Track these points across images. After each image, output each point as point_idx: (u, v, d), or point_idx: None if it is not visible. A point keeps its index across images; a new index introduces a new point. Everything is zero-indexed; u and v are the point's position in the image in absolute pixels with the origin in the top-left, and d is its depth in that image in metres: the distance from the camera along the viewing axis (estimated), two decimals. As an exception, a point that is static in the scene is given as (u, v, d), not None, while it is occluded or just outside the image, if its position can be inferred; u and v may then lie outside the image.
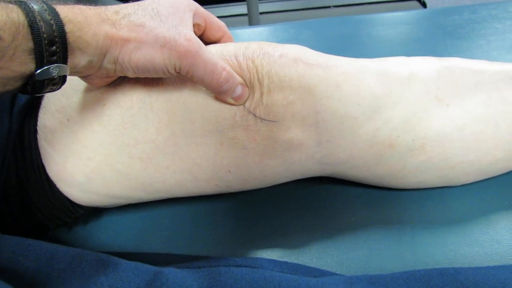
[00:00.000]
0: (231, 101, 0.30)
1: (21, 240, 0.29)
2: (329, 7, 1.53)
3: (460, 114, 0.33)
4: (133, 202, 0.37)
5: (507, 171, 0.36)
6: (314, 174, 0.35)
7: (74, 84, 0.33)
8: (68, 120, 0.33)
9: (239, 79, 0.30)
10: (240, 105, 0.31)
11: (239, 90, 0.30)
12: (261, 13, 1.25)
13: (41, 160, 0.33)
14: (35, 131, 0.34)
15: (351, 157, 0.33)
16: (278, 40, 0.62)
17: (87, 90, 0.33)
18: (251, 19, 1.21)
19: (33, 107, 0.34)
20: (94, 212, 0.39)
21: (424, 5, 1.50)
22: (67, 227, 0.39)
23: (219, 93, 0.30)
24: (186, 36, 0.28)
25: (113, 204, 0.37)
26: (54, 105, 0.33)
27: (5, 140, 0.33)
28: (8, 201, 0.34)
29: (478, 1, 1.90)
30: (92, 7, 0.27)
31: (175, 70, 0.28)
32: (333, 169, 0.35)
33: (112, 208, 0.39)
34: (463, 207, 0.36)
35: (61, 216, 0.36)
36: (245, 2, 1.21)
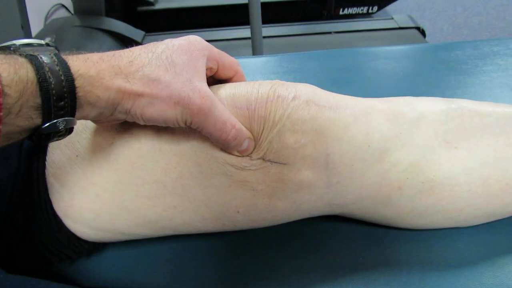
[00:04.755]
0: (236, 153, 0.31)
1: (25, 281, 0.28)
2: (330, 33, 1.56)
3: (468, 157, 0.33)
4: (138, 238, 0.36)
5: (515, 213, 0.36)
6: (322, 213, 0.35)
7: (83, 120, 0.33)
8: (76, 156, 0.33)
9: (247, 134, 0.30)
10: (244, 156, 0.31)
11: (245, 144, 0.30)
12: (264, 37, 1.26)
13: (48, 195, 0.33)
14: (43, 166, 0.33)
15: (360, 199, 0.33)
16: (284, 71, 0.62)
17: (97, 128, 0.33)
18: (255, 43, 1.23)
19: None
20: (98, 246, 0.39)
21: (423, 33, 1.53)
22: (70, 261, 0.38)
23: (226, 148, 0.30)
24: (201, 93, 0.28)
25: (118, 240, 0.37)
26: (63, 140, 0.33)
27: (13, 176, 0.33)
28: (14, 237, 0.33)
29: (478, 33, 1.94)
30: (105, 57, 0.27)
31: (185, 124, 0.29)
32: (341, 210, 0.34)
33: (116, 242, 0.39)
34: (472, 248, 0.35)
35: (65, 251, 0.36)
36: (248, 26, 1.23)
